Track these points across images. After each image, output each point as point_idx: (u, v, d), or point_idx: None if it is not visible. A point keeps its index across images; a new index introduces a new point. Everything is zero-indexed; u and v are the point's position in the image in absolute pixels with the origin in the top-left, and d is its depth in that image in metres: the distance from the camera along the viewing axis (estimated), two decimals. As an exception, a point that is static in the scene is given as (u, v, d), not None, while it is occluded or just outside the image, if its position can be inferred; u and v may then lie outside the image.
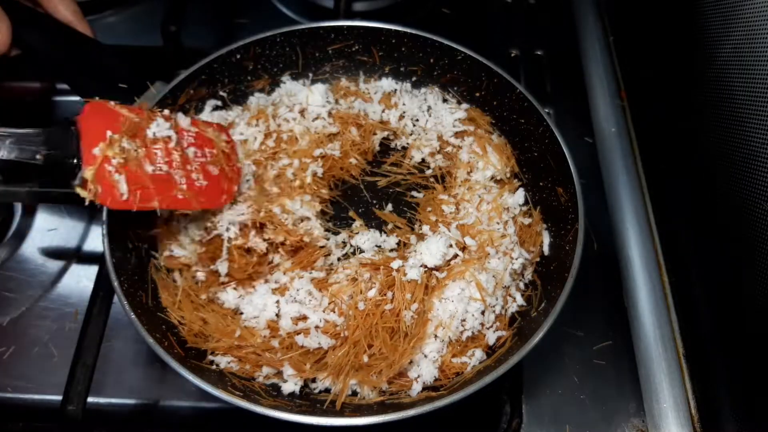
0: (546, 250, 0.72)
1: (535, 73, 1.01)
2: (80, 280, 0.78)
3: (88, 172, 0.57)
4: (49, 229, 0.82)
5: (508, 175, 0.78)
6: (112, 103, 0.62)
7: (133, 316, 0.58)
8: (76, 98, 0.72)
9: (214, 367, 0.63)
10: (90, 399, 0.62)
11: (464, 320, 0.65)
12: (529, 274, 0.72)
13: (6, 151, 0.55)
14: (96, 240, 0.81)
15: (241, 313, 0.66)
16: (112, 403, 0.70)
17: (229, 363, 0.63)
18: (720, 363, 0.71)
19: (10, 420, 0.68)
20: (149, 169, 0.62)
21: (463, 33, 1.06)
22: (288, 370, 0.62)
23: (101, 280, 0.69)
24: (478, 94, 0.82)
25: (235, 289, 0.67)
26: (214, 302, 0.67)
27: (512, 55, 1.02)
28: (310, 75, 0.85)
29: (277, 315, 0.65)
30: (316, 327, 0.64)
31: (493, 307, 0.67)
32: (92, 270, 0.73)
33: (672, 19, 0.88)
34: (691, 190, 0.81)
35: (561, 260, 0.67)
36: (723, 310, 0.72)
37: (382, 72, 0.86)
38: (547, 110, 0.91)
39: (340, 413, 0.60)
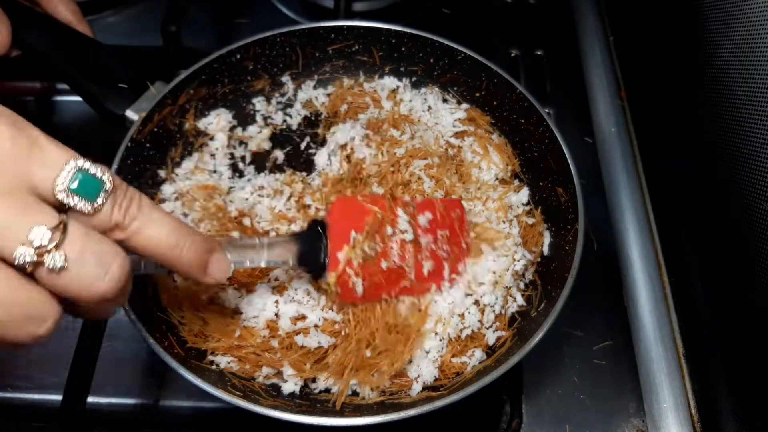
0: (546, 250, 0.72)
1: (535, 73, 1.01)
2: (80, 280, 0.78)
3: (331, 278, 0.60)
4: (49, 229, 0.82)
5: (509, 174, 0.78)
6: (360, 197, 0.63)
7: (133, 316, 0.58)
8: (77, 98, 0.72)
9: (214, 367, 0.63)
10: (90, 399, 0.62)
11: (463, 316, 0.65)
12: (529, 274, 0.72)
13: (264, 259, 0.57)
14: (96, 240, 0.81)
15: (241, 313, 0.66)
16: (112, 403, 0.70)
17: (229, 363, 0.63)
18: (720, 363, 0.71)
19: (10, 420, 0.68)
20: (384, 265, 0.62)
21: (463, 33, 1.06)
22: (288, 370, 0.62)
23: (101, 280, 0.69)
24: (478, 94, 0.82)
25: (236, 289, 0.67)
26: (215, 302, 0.67)
27: (512, 55, 1.03)
28: (316, 77, 0.86)
29: (276, 315, 0.65)
30: (315, 326, 0.64)
31: (493, 306, 0.67)
32: (92, 270, 0.73)
33: (672, 19, 0.88)
34: (691, 190, 0.81)
35: (561, 260, 0.67)
36: (723, 310, 0.72)
37: (382, 72, 0.86)
38: (547, 110, 0.91)
39: (340, 413, 0.60)
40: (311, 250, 0.60)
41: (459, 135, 0.80)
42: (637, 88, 0.98)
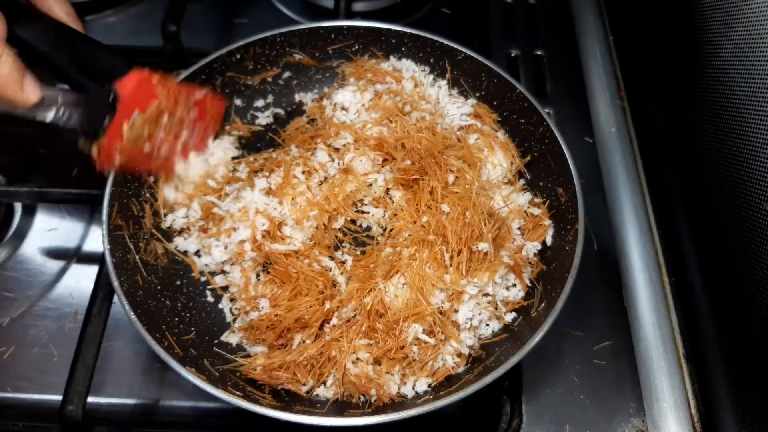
0: (549, 240, 0.72)
1: (535, 73, 1.01)
2: (80, 280, 0.78)
3: (95, 148, 0.62)
4: (49, 229, 0.82)
5: (513, 172, 0.78)
6: (155, 78, 0.64)
7: (133, 316, 0.58)
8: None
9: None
10: (90, 399, 0.62)
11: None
12: (528, 275, 0.72)
13: (53, 113, 0.59)
14: (96, 240, 0.81)
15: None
16: (112, 403, 0.70)
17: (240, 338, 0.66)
18: (720, 363, 0.71)
19: (10, 420, 0.68)
20: (145, 147, 0.66)
21: (463, 33, 1.06)
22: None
23: (101, 280, 0.69)
24: (478, 94, 0.82)
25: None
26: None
27: (512, 55, 1.03)
28: (316, 77, 0.86)
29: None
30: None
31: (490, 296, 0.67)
32: (92, 270, 0.73)
33: (672, 19, 0.88)
34: (691, 190, 0.81)
35: (561, 260, 0.67)
36: (723, 310, 0.72)
37: (400, 54, 0.85)
38: (547, 110, 0.91)
39: (341, 413, 0.60)
40: (97, 114, 0.61)
41: (464, 129, 0.80)
42: (637, 88, 0.98)
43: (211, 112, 0.74)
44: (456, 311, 0.66)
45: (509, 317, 0.68)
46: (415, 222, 0.69)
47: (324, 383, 0.63)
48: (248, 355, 0.66)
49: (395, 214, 0.72)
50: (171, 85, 0.66)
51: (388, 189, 0.74)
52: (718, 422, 0.69)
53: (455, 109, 0.81)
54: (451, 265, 0.66)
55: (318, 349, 0.62)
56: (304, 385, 0.62)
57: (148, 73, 0.64)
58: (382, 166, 0.75)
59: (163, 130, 0.66)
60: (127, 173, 0.68)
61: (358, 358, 0.63)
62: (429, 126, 0.75)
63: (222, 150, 0.78)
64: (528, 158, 0.78)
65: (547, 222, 0.73)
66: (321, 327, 0.65)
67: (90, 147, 0.62)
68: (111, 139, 0.61)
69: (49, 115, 0.59)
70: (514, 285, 0.70)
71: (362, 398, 0.63)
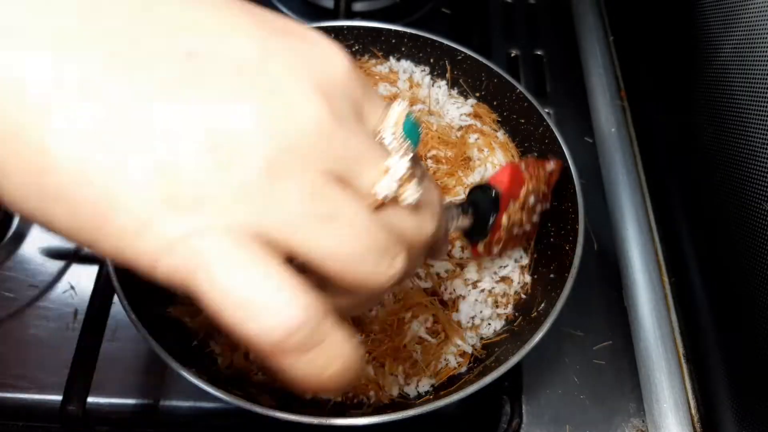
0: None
1: (535, 73, 1.01)
2: (80, 280, 0.78)
3: (482, 245, 0.60)
4: (49, 229, 0.82)
5: None
6: (523, 165, 0.63)
7: (133, 316, 0.58)
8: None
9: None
10: (90, 399, 0.62)
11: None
12: (527, 276, 0.72)
13: (457, 222, 0.56)
14: (96, 240, 0.81)
15: None
16: (112, 403, 0.69)
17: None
18: (720, 363, 0.71)
19: (10, 420, 0.68)
20: (515, 231, 0.63)
21: (463, 33, 1.06)
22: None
23: (101, 280, 0.69)
24: (478, 94, 0.82)
25: None
26: None
27: (512, 55, 1.03)
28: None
29: None
30: None
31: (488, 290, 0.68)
32: (92, 270, 0.73)
33: (672, 19, 0.88)
34: (692, 191, 0.81)
35: (561, 260, 0.67)
36: (723, 310, 0.72)
37: (399, 55, 0.85)
38: (547, 110, 0.91)
39: (340, 413, 0.60)
40: (480, 217, 0.59)
41: (464, 129, 0.80)
42: (637, 88, 0.98)
43: (554, 177, 0.70)
44: (457, 311, 0.66)
45: (509, 309, 0.68)
46: None
47: None
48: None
49: None
50: (531, 165, 0.64)
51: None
52: (718, 422, 0.69)
53: (455, 109, 0.81)
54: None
55: None
56: None
57: (517, 163, 0.64)
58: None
59: (527, 211, 0.64)
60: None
61: None
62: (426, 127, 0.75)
63: None
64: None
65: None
66: None
67: (478, 246, 0.61)
68: (494, 233, 0.60)
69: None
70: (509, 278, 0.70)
71: (363, 398, 0.63)
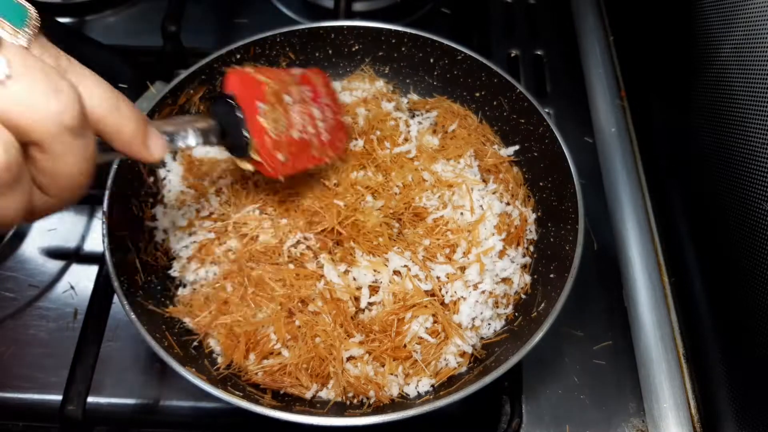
0: (534, 235, 0.74)
1: (535, 73, 1.01)
2: (80, 280, 0.78)
3: (254, 151, 0.59)
4: (49, 229, 0.82)
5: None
6: (249, 69, 0.61)
7: (133, 316, 0.58)
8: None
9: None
10: (90, 399, 0.62)
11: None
12: (527, 276, 0.72)
13: (191, 136, 0.54)
14: (96, 240, 0.81)
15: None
16: (112, 403, 0.70)
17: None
18: (720, 363, 0.71)
19: (10, 420, 0.68)
20: (295, 135, 0.62)
21: (463, 33, 1.06)
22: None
23: (101, 280, 0.69)
24: (478, 94, 0.82)
25: None
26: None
27: (512, 55, 1.03)
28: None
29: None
30: None
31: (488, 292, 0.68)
32: (92, 270, 0.73)
33: (672, 19, 0.88)
34: (692, 191, 0.81)
35: (561, 260, 0.67)
36: (723, 311, 0.72)
37: (382, 72, 0.86)
38: (547, 110, 0.91)
39: (341, 413, 0.60)
40: (230, 123, 0.57)
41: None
42: (637, 88, 0.98)
43: (320, 83, 0.70)
44: (458, 313, 0.66)
45: (509, 309, 0.68)
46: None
47: (326, 386, 0.63)
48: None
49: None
50: (265, 70, 0.63)
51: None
52: (718, 422, 0.69)
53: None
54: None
55: (310, 346, 0.62)
56: (307, 389, 0.62)
57: (240, 68, 0.62)
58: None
59: (296, 112, 0.63)
60: (297, 172, 0.65)
61: (352, 356, 0.63)
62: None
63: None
64: (522, 159, 0.79)
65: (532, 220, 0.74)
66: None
67: (250, 157, 0.59)
68: (259, 136, 0.58)
69: (183, 148, 0.56)
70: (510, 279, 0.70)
71: (363, 398, 0.63)
